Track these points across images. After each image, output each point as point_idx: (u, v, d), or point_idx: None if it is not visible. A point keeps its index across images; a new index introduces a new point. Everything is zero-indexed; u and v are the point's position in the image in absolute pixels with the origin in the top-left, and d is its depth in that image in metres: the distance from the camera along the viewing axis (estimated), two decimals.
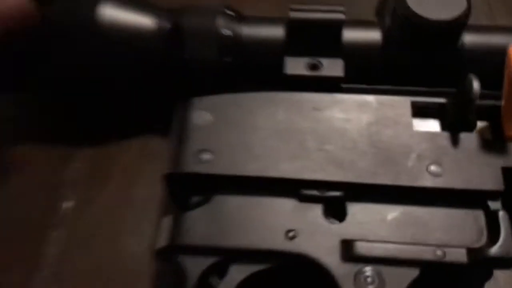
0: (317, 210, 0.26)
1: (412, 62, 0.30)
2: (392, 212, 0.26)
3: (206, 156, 0.27)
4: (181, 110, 0.29)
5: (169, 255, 0.26)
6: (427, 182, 0.26)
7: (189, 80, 0.32)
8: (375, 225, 0.26)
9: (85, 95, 0.35)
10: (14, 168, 0.34)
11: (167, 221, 0.27)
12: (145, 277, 0.30)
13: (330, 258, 0.25)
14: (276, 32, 0.31)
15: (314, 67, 0.29)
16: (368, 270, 0.25)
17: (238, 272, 0.26)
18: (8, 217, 0.32)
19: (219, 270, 0.26)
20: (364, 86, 0.29)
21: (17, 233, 0.32)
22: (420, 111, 0.28)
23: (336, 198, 0.26)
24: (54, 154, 0.34)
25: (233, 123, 0.28)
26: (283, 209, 0.26)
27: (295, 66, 0.29)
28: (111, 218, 0.32)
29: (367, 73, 0.30)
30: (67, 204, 0.33)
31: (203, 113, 0.28)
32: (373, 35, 0.30)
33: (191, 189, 0.27)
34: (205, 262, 0.26)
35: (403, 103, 0.28)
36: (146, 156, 0.34)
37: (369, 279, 0.25)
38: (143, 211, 0.32)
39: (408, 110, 0.28)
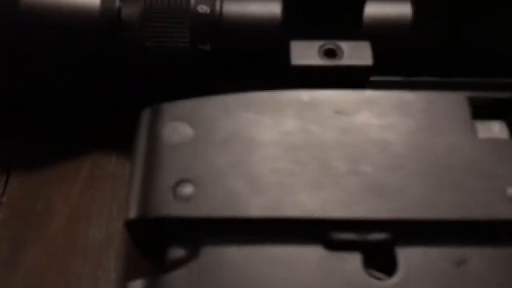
0: (354, 261, 0.18)
1: (454, 40, 0.22)
2: (461, 258, 0.19)
3: (186, 189, 0.19)
4: (146, 122, 0.20)
5: None
6: (507, 211, 0.19)
7: (152, 79, 0.24)
8: (440, 279, 0.18)
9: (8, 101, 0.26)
10: None
11: None
12: None
13: None
14: (271, 7, 0.23)
15: (330, 53, 0.21)
16: None
17: None
18: None
19: None
20: (399, 78, 0.22)
21: None
22: (480, 111, 0.21)
23: (380, 242, 0.18)
24: None
25: (222, 138, 0.20)
26: (307, 262, 0.18)
27: (305, 53, 0.21)
28: (51, 273, 0.23)
29: (397, 60, 0.22)
30: None
31: (179, 125, 0.20)
32: (403, 9, 0.23)
33: (168, 239, 0.19)
34: None
35: (457, 100, 0.20)
36: (97, 183, 0.26)
37: None
38: (96, 261, 0.24)
39: (465, 110, 0.20)
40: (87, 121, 0.26)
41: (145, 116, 0.20)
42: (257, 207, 0.18)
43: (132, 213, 0.19)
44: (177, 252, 0.19)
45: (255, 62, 0.23)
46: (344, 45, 0.21)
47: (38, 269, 0.23)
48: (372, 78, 0.21)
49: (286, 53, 0.22)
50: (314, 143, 0.19)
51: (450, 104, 0.20)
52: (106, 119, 0.26)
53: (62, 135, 0.26)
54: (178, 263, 0.18)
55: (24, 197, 0.25)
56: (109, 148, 0.26)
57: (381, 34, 0.22)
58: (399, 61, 0.22)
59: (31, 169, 0.26)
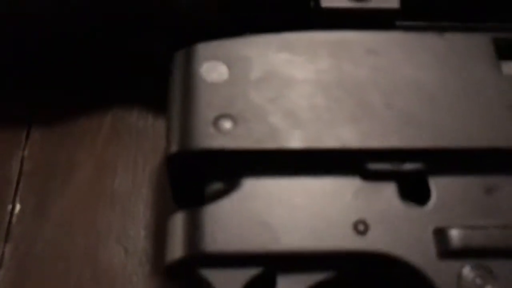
0: (390, 190, 0.19)
1: None
2: (492, 186, 0.19)
3: (226, 124, 0.19)
4: (181, 63, 0.20)
5: (187, 270, 0.18)
6: None
7: (179, 30, 0.24)
8: (472, 206, 0.19)
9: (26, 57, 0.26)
10: None
11: (178, 222, 0.19)
12: None
13: (421, 255, 0.18)
14: None
15: None
16: (474, 266, 0.18)
17: (291, 285, 0.18)
18: None
19: (264, 284, 0.18)
20: (425, 23, 0.22)
21: None
22: (504, 52, 0.21)
23: (415, 172, 0.19)
24: None
25: (258, 77, 0.20)
26: (345, 192, 0.19)
27: None
28: (80, 222, 0.23)
29: (423, 4, 0.23)
30: (18, 208, 0.24)
31: (215, 64, 0.20)
32: None
33: (208, 172, 0.19)
34: (243, 275, 0.18)
35: (482, 40, 0.21)
36: (120, 135, 0.26)
37: (477, 280, 0.18)
38: (125, 209, 0.24)
39: (491, 49, 0.21)
40: (108, 76, 0.27)
41: (180, 57, 0.21)
42: (296, 139, 0.19)
43: (174, 148, 0.19)
44: (217, 185, 0.19)
45: (278, 8, 0.23)
46: None
47: (66, 218, 0.23)
48: (398, 23, 0.22)
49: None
50: (348, 79, 0.20)
51: (476, 44, 0.21)
52: (127, 73, 0.27)
53: (82, 89, 0.26)
54: (218, 196, 0.19)
55: (46, 150, 0.25)
56: (130, 101, 0.26)
57: None
58: (425, 5, 0.22)
59: (52, 122, 0.26)
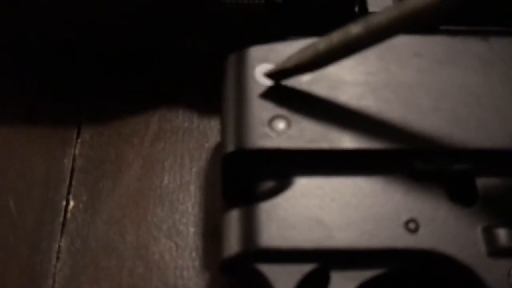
0: (439, 190, 0.19)
1: None
2: None
3: (280, 125, 0.20)
4: (234, 66, 0.21)
5: (242, 266, 0.19)
6: None
7: (223, 34, 0.25)
8: None
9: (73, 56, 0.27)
10: None
11: (234, 219, 0.19)
12: None
13: (471, 254, 0.18)
14: None
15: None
16: None
17: (344, 281, 0.18)
18: None
19: (318, 279, 0.19)
20: (466, 28, 0.23)
21: (5, 248, 0.24)
22: None
23: (462, 172, 0.20)
24: (44, 138, 0.26)
25: (308, 79, 0.21)
26: (395, 191, 0.19)
27: (380, 1, 0.23)
28: (131, 219, 0.24)
29: (465, 9, 0.23)
30: (72, 204, 0.25)
31: (268, 67, 0.21)
32: None
33: (261, 171, 0.20)
34: (298, 270, 0.18)
35: None
36: (166, 135, 0.26)
37: None
38: (173, 206, 0.25)
39: None
40: (154, 78, 0.27)
41: (233, 60, 0.21)
42: (347, 139, 0.20)
43: (231, 147, 0.20)
44: (270, 184, 0.20)
45: (324, 13, 0.24)
46: None
47: (117, 215, 0.24)
48: (443, 27, 0.23)
49: (355, 4, 0.23)
50: (396, 82, 0.21)
51: None
52: (172, 76, 0.28)
53: (130, 91, 0.27)
54: (272, 194, 0.20)
55: (96, 149, 0.26)
56: (176, 103, 0.27)
57: None
58: (467, 10, 0.23)
59: (101, 123, 0.26)
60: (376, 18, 0.19)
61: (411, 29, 0.20)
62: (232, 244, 0.19)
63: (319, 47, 0.20)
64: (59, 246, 0.23)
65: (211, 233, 0.23)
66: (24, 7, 0.24)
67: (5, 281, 0.23)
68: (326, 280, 0.18)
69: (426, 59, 0.21)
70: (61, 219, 0.24)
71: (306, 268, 0.18)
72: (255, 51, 0.21)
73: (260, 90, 0.20)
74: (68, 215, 0.24)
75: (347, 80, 0.21)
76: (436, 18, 0.21)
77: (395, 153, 0.20)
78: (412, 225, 0.19)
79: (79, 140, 0.26)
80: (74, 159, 0.25)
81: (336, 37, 0.19)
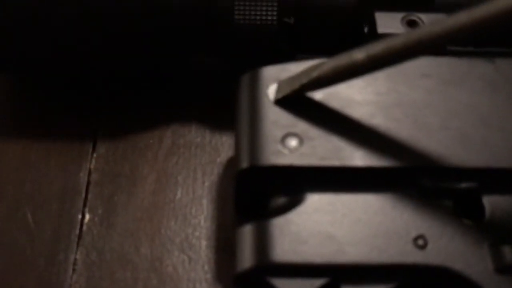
0: (447, 207, 0.20)
1: None
2: None
3: (292, 142, 0.21)
4: (248, 85, 0.22)
5: (256, 279, 0.19)
6: None
7: (236, 54, 0.26)
8: None
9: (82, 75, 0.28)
10: (8, 172, 0.26)
11: (248, 233, 0.20)
12: None
13: (479, 270, 0.19)
14: None
15: (412, 24, 0.23)
16: None
17: None
18: (9, 238, 0.25)
19: None
20: (473, 49, 0.23)
21: (22, 259, 0.24)
22: None
23: (470, 190, 0.20)
24: (60, 153, 0.27)
25: (320, 97, 0.21)
26: (404, 208, 0.20)
27: (389, 23, 0.23)
28: (145, 232, 0.25)
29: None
30: (87, 217, 0.25)
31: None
32: None
33: (273, 187, 0.21)
34: (310, 284, 0.19)
35: None
36: (179, 149, 0.27)
37: None
38: (187, 220, 0.25)
39: None
40: (167, 94, 0.28)
41: (246, 80, 0.22)
42: (358, 157, 0.20)
43: (245, 164, 0.20)
44: (282, 200, 0.20)
45: (334, 33, 0.25)
46: (424, 17, 0.23)
47: (132, 228, 0.25)
48: (449, 48, 0.23)
49: (364, 25, 0.24)
50: (405, 102, 0.21)
51: None
52: (185, 92, 0.28)
53: (144, 107, 0.28)
54: (284, 210, 0.20)
55: (111, 163, 0.27)
56: (189, 119, 0.28)
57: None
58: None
59: (116, 139, 0.27)
60: (379, 46, 0.19)
61: (414, 58, 0.21)
62: (246, 258, 0.19)
63: (324, 69, 0.20)
64: (75, 258, 0.24)
65: (223, 246, 0.24)
66: (42, 25, 0.25)
67: None
68: None
69: (434, 79, 0.22)
70: (77, 231, 0.25)
71: (317, 282, 0.19)
72: (268, 71, 0.22)
73: (272, 108, 0.21)
74: (84, 228, 0.25)
75: (357, 100, 0.21)
76: (438, 49, 0.21)
77: (404, 170, 0.20)
78: (420, 242, 0.19)
79: (95, 155, 0.27)
80: (89, 173, 0.26)
81: (339, 60, 0.20)
